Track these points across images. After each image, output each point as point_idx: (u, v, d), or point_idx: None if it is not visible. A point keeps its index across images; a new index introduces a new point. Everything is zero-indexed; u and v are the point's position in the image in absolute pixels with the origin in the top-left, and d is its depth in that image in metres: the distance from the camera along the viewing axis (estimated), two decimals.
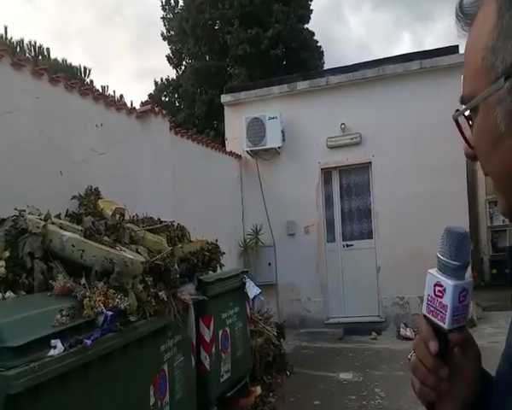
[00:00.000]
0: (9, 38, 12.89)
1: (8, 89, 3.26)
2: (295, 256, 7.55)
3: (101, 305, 2.29)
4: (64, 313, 2.08)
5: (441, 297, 0.62)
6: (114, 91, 4.34)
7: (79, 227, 3.02)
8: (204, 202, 6.24)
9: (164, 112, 5.32)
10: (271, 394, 4.88)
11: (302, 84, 7.80)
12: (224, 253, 4.07)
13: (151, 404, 2.63)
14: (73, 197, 3.62)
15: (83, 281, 2.41)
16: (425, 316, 0.66)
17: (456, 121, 0.62)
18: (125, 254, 2.78)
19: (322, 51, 15.70)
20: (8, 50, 3.41)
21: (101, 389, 2.16)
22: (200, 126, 14.29)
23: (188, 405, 3.28)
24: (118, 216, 3.40)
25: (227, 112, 8.41)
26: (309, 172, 7.66)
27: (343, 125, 7.49)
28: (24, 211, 2.74)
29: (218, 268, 4.01)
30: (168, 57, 16.77)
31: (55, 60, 14.65)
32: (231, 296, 4.19)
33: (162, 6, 16.55)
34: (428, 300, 0.65)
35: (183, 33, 15.41)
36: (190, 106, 15.33)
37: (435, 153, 7.00)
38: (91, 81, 14.32)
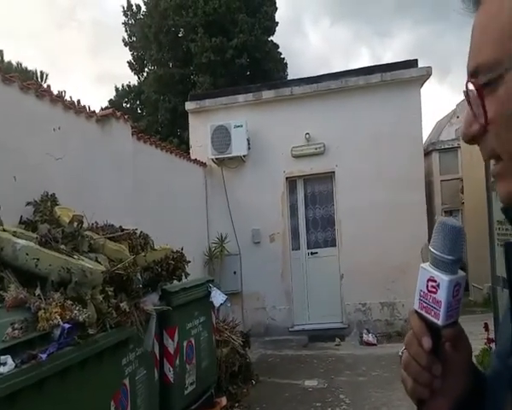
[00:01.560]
0: None
1: None
2: (260, 264, 7.52)
3: (58, 317, 2.15)
4: (16, 326, 1.93)
5: (435, 293, 0.60)
6: (71, 97, 4.11)
7: (34, 235, 2.85)
8: (168, 210, 6.09)
9: (126, 116, 5.17)
10: (237, 404, 4.80)
11: (267, 94, 7.84)
12: (189, 261, 3.96)
13: None
14: (28, 203, 3.41)
15: (37, 292, 2.26)
16: (417, 312, 0.63)
17: (466, 93, 0.56)
18: (84, 264, 2.64)
19: (286, 63, 15.94)
20: None
21: (58, 406, 2.01)
22: (163, 134, 14.07)
23: None
24: (76, 223, 3.24)
25: (191, 119, 8.31)
26: (274, 181, 7.69)
27: (307, 135, 7.59)
28: None
29: (184, 277, 3.90)
30: (130, 63, 16.47)
31: (9, 63, 14.04)
32: (197, 306, 4.09)
33: (124, 11, 16.27)
34: (421, 295, 0.62)
35: (146, 39, 15.19)
36: (153, 113, 15.09)
37: (396, 164, 7.23)
38: (49, 86, 13.81)
